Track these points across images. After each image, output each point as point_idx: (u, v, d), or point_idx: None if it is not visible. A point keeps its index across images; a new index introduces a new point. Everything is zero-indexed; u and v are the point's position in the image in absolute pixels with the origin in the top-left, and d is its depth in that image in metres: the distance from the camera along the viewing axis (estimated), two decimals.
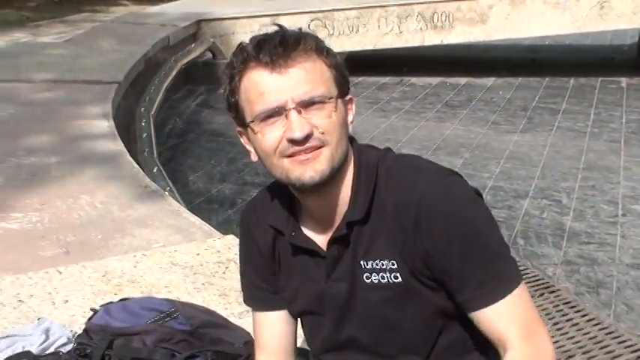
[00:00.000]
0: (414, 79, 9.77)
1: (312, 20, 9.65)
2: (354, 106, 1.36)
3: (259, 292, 1.47)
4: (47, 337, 2.09)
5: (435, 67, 10.24)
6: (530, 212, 5.13)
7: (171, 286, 2.59)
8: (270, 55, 1.23)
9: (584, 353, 3.27)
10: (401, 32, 9.81)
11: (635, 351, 3.26)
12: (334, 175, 1.28)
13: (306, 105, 1.23)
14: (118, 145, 4.34)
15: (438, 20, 9.79)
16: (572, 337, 3.44)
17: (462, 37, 9.82)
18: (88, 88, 5.72)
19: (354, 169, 1.33)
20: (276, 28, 1.28)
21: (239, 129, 1.33)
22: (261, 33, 1.29)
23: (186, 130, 7.28)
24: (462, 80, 9.65)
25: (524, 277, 3.86)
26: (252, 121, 1.27)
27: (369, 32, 9.79)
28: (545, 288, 3.88)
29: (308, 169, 1.25)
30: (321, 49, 1.28)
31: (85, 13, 11.54)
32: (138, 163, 4.29)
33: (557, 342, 3.39)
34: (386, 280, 1.30)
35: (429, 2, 9.73)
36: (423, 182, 1.27)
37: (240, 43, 1.29)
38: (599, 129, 7.32)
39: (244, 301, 1.53)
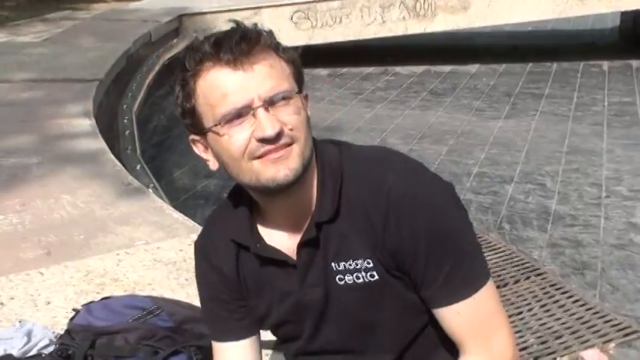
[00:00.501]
0: (398, 69, 9.79)
1: (294, 12, 9.63)
2: (309, 102, 1.30)
3: (222, 323, 1.40)
4: (29, 340, 2.08)
5: (419, 55, 10.25)
6: (515, 197, 5.16)
7: (154, 283, 2.58)
8: (231, 52, 1.16)
9: (572, 333, 3.31)
10: (384, 22, 9.80)
11: (621, 329, 3.30)
12: (302, 175, 1.23)
13: (272, 102, 1.18)
14: (100, 144, 4.31)
15: (420, 9, 9.79)
16: (560, 319, 3.47)
17: (445, 25, 9.83)
18: (69, 87, 5.67)
19: (318, 168, 1.28)
20: (232, 24, 1.22)
21: (193, 137, 1.26)
22: (218, 31, 1.22)
23: (170, 127, 7.24)
24: (446, 68, 9.67)
25: (509, 261, 3.94)
26: (216, 125, 1.19)
27: (352, 23, 9.78)
28: (532, 271, 3.91)
29: (281, 168, 1.19)
30: (278, 46, 1.23)
31: (65, 10, 11.44)
32: (121, 161, 4.27)
33: (545, 324, 3.43)
34: (362, 279, 1.26)
35: None
36: (391, 176, 1.23)
37: (191, 43, 1.23)
38: (582, 112, 7.37)
39: (210, 334, 1.45)
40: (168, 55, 8.08)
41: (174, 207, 3.58)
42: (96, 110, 5.11)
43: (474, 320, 1.25)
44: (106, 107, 5.74)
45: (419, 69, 9.67)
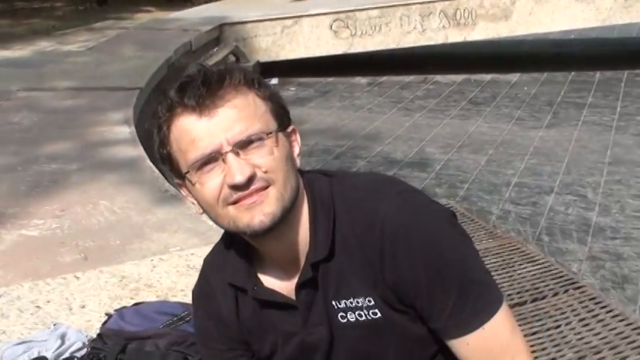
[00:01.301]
0: (438, 77, 9.72)
1: (334, 21, 9.65)
2: (298, 137, 1.25)
3: None
4: (63, 342, 2.11)
5: (459, 64, 10.18)
6: (555, 208, 5.07)
7: (187, 289, 2.60)
8: (194, 97, 1.13)
9: (611, 349, 3.22)
10: (424, 30, 9.76)
11: None
12: (287, 215, 1.18)
13: (243, 145, 1.14)
14: (139, 151, 4.37)
15: (460, 17, 9.72)
16: (599, 333, 3.39)
17: (485, 33, 9.74)
18: (110, 95, 5.78)
19: (309, 204, 1.23)
20: (195, 67, 1.19)
21: (177, 181, 1.24)
22: (184, 76, 1.18)
23: None
24: (487, 77, 9.57)
25: (548, 274, 3.88)
26: (188, 172, 1.17)
27: (391, 31, 9.75)
28: (571, 284, 3.82)
29: (257, 214, 1.15)
30: (251, 82, 1.18)
31: (110, 20, 11.66)
32: (159, 169, 4.32)
33: (583, 338, 3.35)
34: (364, 317, 1.22)
35: None
36: (383, 208, 1.18)
37: (164, 90, 1.20)
38: (626, 122, 7.20)
39: None
40: (208, 64, 8.17)
41: None
42: (136, 118, 5.19)
43: (488, 350, 1.20)
44: (146, 115, 5.82)
45: (459, 78, 9.59)
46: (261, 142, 1.15)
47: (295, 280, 1.25)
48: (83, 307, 2.48)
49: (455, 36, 9.75)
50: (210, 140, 1.13)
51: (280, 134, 1.19)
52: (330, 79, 9.39)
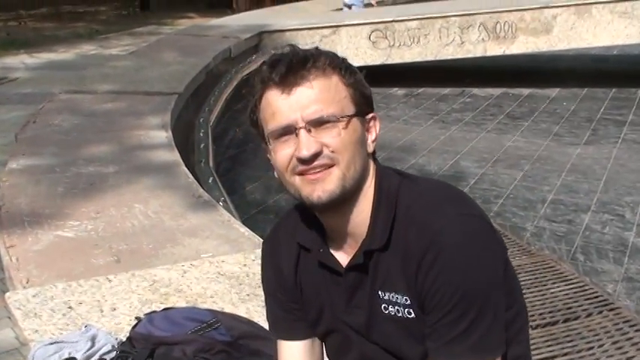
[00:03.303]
0: (475, 90, 9.67)
1: (372, 31, 9.66)
2: (377, 124, 1.33)
3: (282, 322, 1.46)
4: (93, 344, 2.14)
5: (497, 77, 10.11)
6: (591, 227, 4.99)
7: (216, 296, 2.61)
8: (280, 75, 1.24)
9: None
10: (462, 43, 9.71)
11: None
12: (349, 196, 1.27)
13: (315, 124, 1.24)
14: (175, 156, 4.41)
15: (500, 30, 9.65)
16: (633, 357, 3.32)
17: (525, 47, 9.66)
18: (149, 99, 5.85)
19: (375, 193, 1.30)
20: (289, 46, 1.29)
21: (263, 144, 1.34)
22: (280, 52, 1.30)
23: (245, 141, 7.36)
24: (525, 91, 9.49)
25: (582, 293, 3.80)
26: (268, 139, 1.29)
27: (430, 43, 9.73)
28: (605, 305, 3.76)
29: (317, 189, 1.24)
30: (337, 67, 1.28)
31: (152, 25, 11.86)
32: (194, 174, 4.36)
33: None
34: (401, 314, 1.28)
35: (492, 12, 9.62)
36: (441, 224, 1.22)
37: (263, 62, 1.30)
38: None
39: (269, 330, 1.52)
40: (246, 71, 8.22)
41: (244, 221, 3.63)
42: (173, 123, 5.25)
43: None
44: (183, 120, 5.89)
45: (497, 91, 9.52)
46: (332, 124, 1.24)
47: (349, 258, 1.33)
48: (114, 309, 2.51)
49: (494, 49, 9.69)
50: (287, 115, 1.24)
51: (355, 119, 1.27)
52: None
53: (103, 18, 14.67)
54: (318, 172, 1.24)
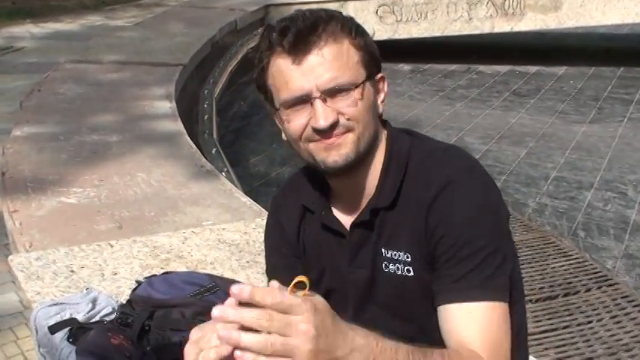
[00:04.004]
0: (482, 67, 9.61)
1: (380, 6, 9.59)
2: (385, 85, 1.32)
3: (283, 270, 1.43)
4: (94, 306, 2.17)
5: (504, 54, 10.04)
6: (593, 204, 5.00)
7: (216, 262, 2.64)
8: (292, 42, 1.20)
9: None
10: (470, 19, 9.64)
11: None
12: (362, 159, 1.27)
13: (331, 93, 1.21)
14: (178, 126, 4.42)
15: (509, 7, 9.57)
16: (631, 331, 3.35)
17: (533, 24, 9.58)
18: (154, 70, 5.85)
19: (385, 155, 1.31)
20: (297, 10, 1.25)
21: (270, 108, 1.32)
22: (287, 16, 1.25)
23: (250, 114, 7.37)
24: (532, 69, 9.43)
25: (581, 269, 3.82)
26: (279, 108, 1.26)
27: (437, 19, 9.66)
28: (604, 281, 3.78)
29: (332, 154, 1.24)
30: (348, 30, 1.24)
31: None
32: (198, 145, 4.37)
33: (614, 335, 3.32)
34: (400, 272, 1.28)
35: None
36: (450, 173, 1.24)
37: (267, 25, 1.28)
38: None
39: (266, 273, 1.52)
40: (252, 44, 8.19)
41: (247, 193, 3.64)
42: (177, 94, 5.25)
43: (486, 329, 1.18)
44: (188, 91, 5.89)
45: (503, 68, 9.47)
46: (347, 92, 1.22)
47: (354, 219, 1.33)
48: (115, 274, 2.54)
49: (502, 26, 9.61)
50: (301, 85, 1.21)
51: (367, 84, 1.25)
52: None
53: None
54: (333, 138, 1.23)
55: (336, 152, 1.23)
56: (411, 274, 1.27)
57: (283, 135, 1.33)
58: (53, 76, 5.71)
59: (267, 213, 1.57)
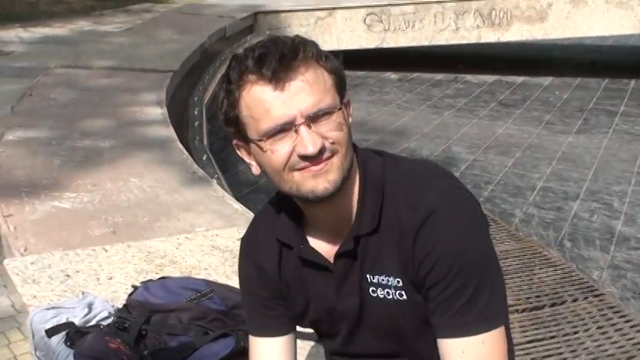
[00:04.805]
0: (469, 77, 9.70)
1: (368, 14, 9.66)
2: (351, 109, 1.29)
3: (262, 319, 1.43)
4: (90, 311, 2.18)
5: (491, 65, 10.15)
6: (579, 214, 5.06)
7: (210, 268, 2.66)
8: (272, 69, 1.17)
9: (628, 358, 3.22)
10: (457, 29, 9.74)
11: None
12: (343, 184, 1.24)
13: (314, 118, 1.19)
14: (170, 132, 4.44)
15: (495, 17, 9.68)
16: (616, 342, 3.39)
17: (520, 34, 9.69)
18: (144, 76, 5.86)
19: (361, 179, 1.29)
20: (268, 37, 1.23)
21: (237, 142, 1.28)
22: (256, 43, 1.22)
23: None
24: (519, 79, 9.53)
25: (568, 279, 3.87)
26: (260, 140, 1.21)
27: (425, 28, 9.74)
28: (590, 292, 3.82)
29: (321, 181, 1.21)
30: (320, 56, 1.23)
31: (147, 3, 11.77)
32: (188, 151, 4.39)
33: (600, 345, 3.36)
34: (391, 296, 1.28)
35: None
36: (430, 198, 1.24)
37: (235, 55, 1.23)
38: None
39: (247, 325, 1.49)
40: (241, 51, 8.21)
41: (237, 199, 3.67)
42: (168, 100, 5.27)
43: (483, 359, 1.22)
44: (178, 98, 5.91)
45: (490, 78, 9.56)
46: (330, 116, 1.20)
47: (337, 248, 1.31)
48: (110, 278, 2.55)
49: (489, 36, 9.72)
50: (284, 112, 1.18)
51: (342, 106, 1.24)
52: (360, 73, 9.41)
53: None
54: (321, 164, 1.20)
55: (324, 179, 1.21)
56: (404, 297, 1.27)
57: (254, 168, 1.27)
58: (44, 81, 5.70)
59: None
